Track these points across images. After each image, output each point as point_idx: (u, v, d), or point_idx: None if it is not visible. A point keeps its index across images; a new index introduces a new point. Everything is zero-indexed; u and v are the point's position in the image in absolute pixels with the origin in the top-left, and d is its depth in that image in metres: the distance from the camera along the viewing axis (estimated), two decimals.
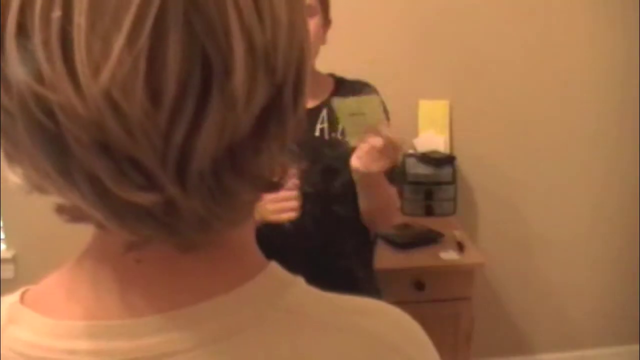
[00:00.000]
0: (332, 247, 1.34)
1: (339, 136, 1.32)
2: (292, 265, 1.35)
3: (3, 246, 2.29)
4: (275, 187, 0.36)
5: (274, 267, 0.40)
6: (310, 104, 1.33)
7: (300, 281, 0.40)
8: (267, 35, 0.31)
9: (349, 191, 1.30)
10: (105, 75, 0.27)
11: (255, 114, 0.31)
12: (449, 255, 1.99)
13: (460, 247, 2.03)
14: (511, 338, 2.54)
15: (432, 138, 2.28)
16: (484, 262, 2.00)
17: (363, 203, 1.32)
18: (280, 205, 1.19)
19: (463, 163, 2.31)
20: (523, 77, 2.32)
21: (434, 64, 2.26)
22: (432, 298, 1.92)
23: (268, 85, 0.32)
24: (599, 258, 2.51)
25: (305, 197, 1.28)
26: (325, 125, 1.33)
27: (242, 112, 0.30)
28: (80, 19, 0.27)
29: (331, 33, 1.32)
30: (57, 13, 0.27)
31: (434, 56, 2.25)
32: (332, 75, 1.41)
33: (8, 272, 2.27)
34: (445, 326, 1.97)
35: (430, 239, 2.04)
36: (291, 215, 1.20)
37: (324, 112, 1.33)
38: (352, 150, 1.24)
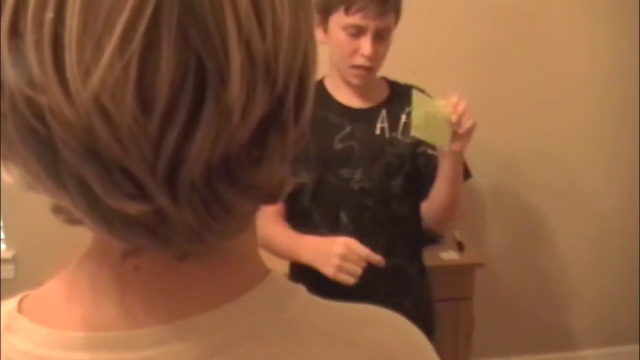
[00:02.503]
0: (388, 244, 1.35)
1: (399, 136, 1.35)
2: None
3: (3, 246, 2.29)
4: (273, 199, 0.34)
5: (275, 275, 0.39)
6: (368, 104, 1.36)
7: (301, 290, 0.39)
8: (267, 43, 0.29)
9: (408, 190, 1.33)
10: (95, 80, 0.26)
11: (253, 125, 0.30)
12: (449, 255, 1.99)
13: (460, 247, 2.03)
14: (511, 338, 2.54)
15: None
16: (484, 262, 2.00)
17: (439, 195, 1.34)
18: (346, 265, 1.16)
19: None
20: (523, 77, 2.32)
21: (434, 64, 2.26)
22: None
23: (268, 95, 0.30)
24: (599, 258, 2.51)
25: (365, 194, 1.30)
26: (386, 124, 1.35)
27: (239, 123, 0.29)
28: (72, 21, 0.26)
29: None
30: (49, 15, 0.27)
31: (435, 56, 2.25)
32: (384, 79, 1.43)
33: (8, 272, 2.27)
34: (445, 326, 1.97)
35: (430, 239, 2.04)
36: (349, 279, 1.17)
37: (384, 112, 1.36)
38: (411, 143, 1.32)
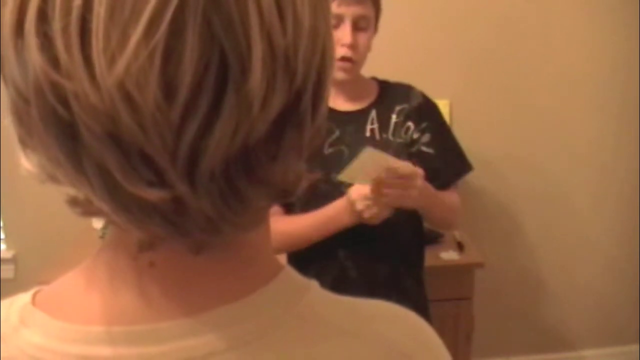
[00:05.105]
0: (383, 250, 1.35)
1: (390, 137, 1.34)
2: (341, 264, 1.36)
3: (3, 246, 2.29)
4: (287, 195, 0.35)
5: (289, 271, 0.40)
6: (357, 106, 1.35)
7: (314, 285, 0.40)
8: (288, 38, 0.30)
9: None
10: (120, 66, 0.27)
11: (271, 119, 0.31)
12: (449, 255, 1.99)
13: (460, 247, 2.03)
14: (511, 338, 2.54)
15: None
16: (484, 262, 2.00)
17: (425, 217, 1.40)
18: (400, 192, 1.20)
19: None
20: (524, 77, 2.32)
21: (434, 64, 2.26)
22: (432, 298, 1.92)
23: (286, 89, 0.31)
24: (599, 258, 2.51)
25: None
26: (376, 126, 1.34)
27: (258, 114, 0.30)
28: (99, 8, 0.27)
29: None
30: (77, 1, 0.27)
31: (435, 56, 2.26)
32: (374, 79, 1.42)
33: (8, 272, 2.28)
34: (445, 326, 1.97)
35: (430, 239, 2.04)
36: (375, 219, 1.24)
37: (373, 114, 1.35)
38: (404, 143, 1.34)
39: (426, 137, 1.36)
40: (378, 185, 1.20)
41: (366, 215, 1.23)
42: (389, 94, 1.38)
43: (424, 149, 1.35)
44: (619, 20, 2.29)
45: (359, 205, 1.22)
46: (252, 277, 0.38)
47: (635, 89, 2.35)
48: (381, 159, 1.20)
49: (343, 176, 1.22)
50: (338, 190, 1.29)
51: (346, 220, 1.26)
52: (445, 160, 1.38)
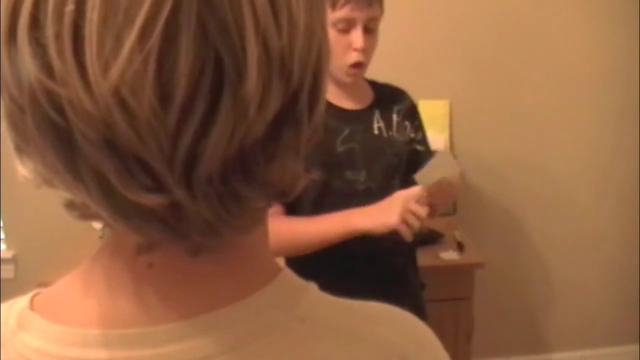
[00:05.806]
0: (394, 244, 1.34)
1: (395, 134, 1.37)
2: (350, 259, 1.35)
3: (3, 246, 2.29)
4: (285, 195, 0.35)
5: (287, 273, 0.40)
6: (360, 105, 1.37)
7: (313, 287, 0.40)
8: (283, 39, 0.30)
9: (407, 188, 1.33)
10: (114, 72, 0.27)
11: (268, 120, 0.30)
12: (449, 255, 1.99)
13: (460, 247, 2.03)
14: (511, 338, 2.54)
15: (432, 138, 2.26)
16: (484, 262, 2.00)
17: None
18: (409, 216, 1.19)
19: (463, 163, 2.31)
20: (523, 77, 2.32)
21: (434, 64, 2.26)
22: (432, 298, 1.92)
23: (283, 91, 0.31)
24: (599, 258, 2.51)
25: (369, 195, 1.31)
26: (382, 124, 1.37)
27: (254, 117, 0.29)
28: (92, 14, 0.27)
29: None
30: (70, 7, 0.27)
31: (435, 56, 2.25)
32: (362, 78, 1.42)
33: (8, 272, 2.27)
34: (445, 326, 1.97)
35: (430, 239, 2.04)
36: (408, 233, 1.21)
37: (377, 113, 1.37)
38: (405, 141, 1.39)
39: (419, 136, 1.44)
40: (437, 192, 1.22)
41: (412, 219, 1.19)
42: (385, 94, 1.41)
43: (418, 146, 1.42)
44: (619, 20, 2.29)
45: (413, 206, 1.19)
46: (250, 279, 0.38)
47: (635, 89, 2.35)
48: (452, 163, 1.24)
49: (419, 177, 1.24)
50: (352, 187, 1.31)
51: (357, 221, 1.21)
52: (431, 156, 1.43)
